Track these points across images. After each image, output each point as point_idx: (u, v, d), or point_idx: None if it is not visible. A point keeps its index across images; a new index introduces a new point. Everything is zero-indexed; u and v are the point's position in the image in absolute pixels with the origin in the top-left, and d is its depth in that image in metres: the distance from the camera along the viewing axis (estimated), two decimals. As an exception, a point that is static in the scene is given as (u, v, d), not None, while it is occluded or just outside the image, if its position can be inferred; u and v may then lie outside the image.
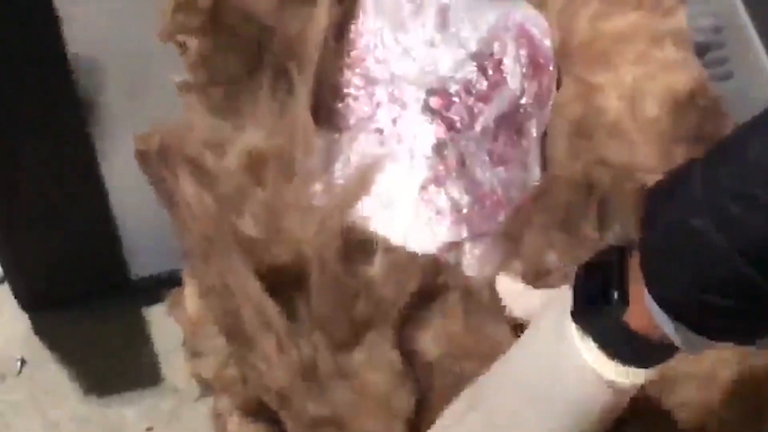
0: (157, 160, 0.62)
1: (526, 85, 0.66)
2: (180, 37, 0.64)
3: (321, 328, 0.57)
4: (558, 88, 0.68)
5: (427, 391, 0.58)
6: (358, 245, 0.60)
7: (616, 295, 0.46)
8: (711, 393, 0.58)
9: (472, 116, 0.65)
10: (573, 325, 0.48)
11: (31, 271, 0.81)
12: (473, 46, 0.66)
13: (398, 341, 0.58)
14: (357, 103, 0.65)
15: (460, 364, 0.59)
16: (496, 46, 0.66)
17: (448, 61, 0.65)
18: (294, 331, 0.57)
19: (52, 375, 0.79)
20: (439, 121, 0.64)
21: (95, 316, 0.82)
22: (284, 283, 0.58)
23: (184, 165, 0.61)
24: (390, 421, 0.56)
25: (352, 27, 0.67)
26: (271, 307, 0.56)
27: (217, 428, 0.60)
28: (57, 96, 0.76)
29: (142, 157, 0.62)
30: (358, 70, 0.66)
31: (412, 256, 0.60)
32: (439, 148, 0.63)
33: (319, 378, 0.56)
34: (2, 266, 0.81)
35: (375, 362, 0.57)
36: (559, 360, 0.50)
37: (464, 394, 0.53)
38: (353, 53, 0.66)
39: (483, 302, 0.61)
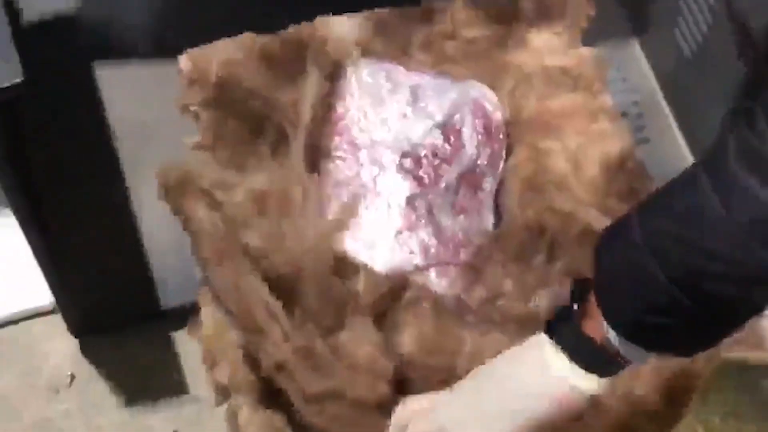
0: (174, 191, 0.70)
1: (480, 149, 0.73)
2: (192, 108, 0.72)
3: (312, 320, 0.65)
4: (508, 152, 0.75)
5: (405, 384, 0.65)
6: (348, 267, 0.69)
7: (575, 306, 0.51)
8: (634, 382, 0.65)
9: (438, 175, 0.72)
10: (546, 339, 0.53)
11: (79, 303, 0.89)
12: (438, 118, 0.72)
13: (377, 330, 0.66)
14: (344, 163, 0.72)
15: (432, 357, 0.66)
16: (456, 118, 0.73)
17: (419, 130, 0.72)
18: (292, 323, 0.65)
19: (97, 388, 0.87)
20: (411, 178, 0.71)
21: (132, 340, 0.89)
22: (282, 288, 0.66)
23: (197, 194, 0.69)
24: (377, 383, 0.63)
25: (341, 103, 0.74)
26: (277, 305, 0.65)
27: (232, 425, 0.66)
28: (102, 161, 0.86)
29: (163, 188, 0.70)
30: (345, 138, 0.73)
31: (387, 275, 0.68)
32: (411, 200, 0.70)
33: (317, 358, 0.64)
34: (55, 299, 0.88)
35: (358, 340, 0.65)
36: (533, 367, 0.54)
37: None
38: (341, 123, 0.73)
39: (449, 310, 0.69)
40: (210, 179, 0.71)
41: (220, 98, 0.73)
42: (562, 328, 0.53)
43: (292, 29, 0.77)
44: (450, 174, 0.73)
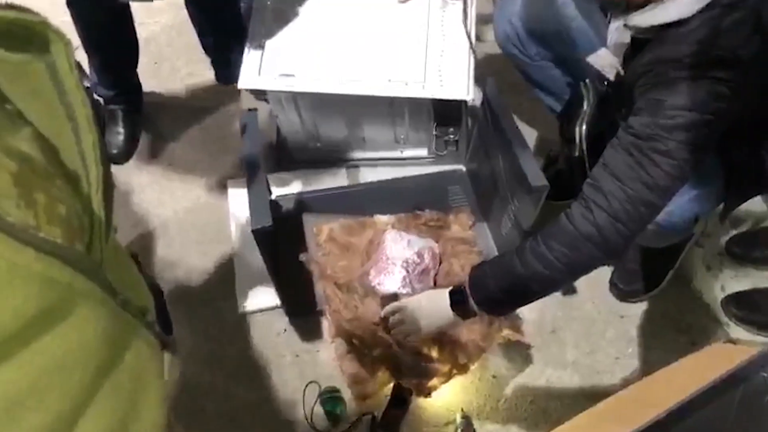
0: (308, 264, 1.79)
1: (431, 262, 1.80)
2: (319, 241, 1.87)
3: (354, 299, 1.73)
4: (440, 264, 1.83)
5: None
6: (372, 288, 1.74)
7: (469, 303, 1.31)
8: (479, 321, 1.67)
9: (416, 270, 1.77)
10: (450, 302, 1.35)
11: (287, 303, 1.81)
12: (416, 250, 1.78)
13: (381, 304, 1.69)
14: (382, 262, 1.79)
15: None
16: (424, 251, 1.80)
17: (409, 254, 1.77)
18: (345, 298, 1.74)
19: (294, 332, 1.75)
20: (406, 271, 1.77)
21: (304, 318, 1.79)
22: (346, 291, 1.75)
23: (325, 277, 1.78)
24: (374, 315, 1.67)
25: (383, 243, 1.82)
26: (337, 291, 1.73)
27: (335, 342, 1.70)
28: (296, 254, 1.94)
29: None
30: (383, 254, 1.80)
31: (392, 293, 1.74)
32: (404, 277, 1.76)
33: (350, 308, 1.70)
34: (280, 301, 1.81)
35: (370, 304, 1.71)
36: (446, 305, 1.35)
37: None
38: (383, 249, 1.80)
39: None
40: (324, 261, 1.79)
41: (332, 237, 1.85)
42: (456, 297, 1.33)
43: (362, 218, 1.88)
44: (419, 269, 1.78)
